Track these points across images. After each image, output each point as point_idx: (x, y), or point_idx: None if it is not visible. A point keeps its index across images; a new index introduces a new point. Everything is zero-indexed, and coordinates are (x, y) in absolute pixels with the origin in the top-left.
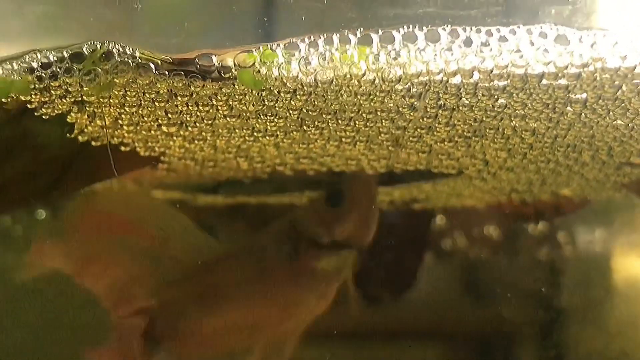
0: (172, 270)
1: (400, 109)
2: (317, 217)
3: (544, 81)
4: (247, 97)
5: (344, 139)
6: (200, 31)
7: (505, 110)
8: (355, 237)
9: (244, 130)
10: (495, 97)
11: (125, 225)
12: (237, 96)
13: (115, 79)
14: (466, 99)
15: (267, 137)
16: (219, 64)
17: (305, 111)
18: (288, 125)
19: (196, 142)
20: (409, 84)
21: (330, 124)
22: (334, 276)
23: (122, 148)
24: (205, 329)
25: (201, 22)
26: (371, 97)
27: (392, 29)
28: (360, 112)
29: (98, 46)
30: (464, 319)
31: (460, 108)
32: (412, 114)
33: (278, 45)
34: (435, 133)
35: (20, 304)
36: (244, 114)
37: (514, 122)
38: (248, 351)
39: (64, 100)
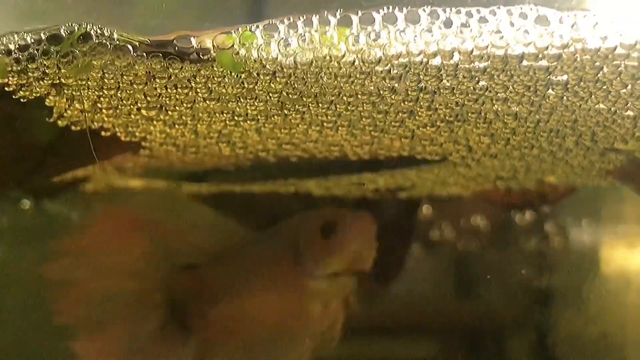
0: (197, 258)
1: (381, 91)
2: (310, 246)
3: (525, 62)
4: (226, 79)
5: (325, 124)
6: (179, 12)
7: (486, 93)
8: (349, 267)
9: (225, 115)
10: (476, 79)
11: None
12: (216, 78)
13: (93, 61)
14: (447, 80)
15: (248, 122)
16: (197, 45)
17: (285, 94)
18: (268, 109)
19: (177, 126)
20: (389, 65)
21: (311, 108)
22: (331, 296)
23: (103, 133)
24: (230, 318)
25: (180, 2)
26: (351, 79)
27: (371, 10)
28: (340, 95)
29: (76, 28)
30: (452, 308)
31: (442, 91)
32: (393, 97)
33: (257, 26)
34: (417, 117)
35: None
36: (224, 97)
37: (495, 105)
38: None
39: (41, 83)
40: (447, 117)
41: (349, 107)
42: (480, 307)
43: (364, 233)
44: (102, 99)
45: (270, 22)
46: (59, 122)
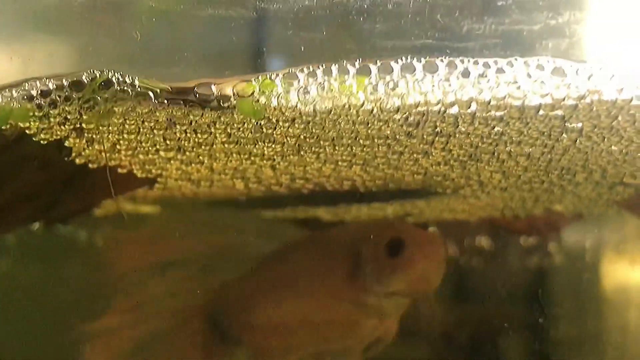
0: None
1: (398, 136)
2: (374, 262)
3: (541, 112)
4: (245, 125)
5: (339, 162)
6: (199, 61)
7: (501, 137)
8: (412, 289)
9: (241, 155)
10: (492, 125)
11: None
12: (236, 125)
13: (114, 107)
14: (463, 127)
15: (265, 161)
16: (218, 93)
17: (303, 138)
18: (285, 150)
19: (193, 165)
20: (407, 114)
21: (327, 149)
22: (386, 314)
23: (120, 170)
24: (280, 327)
25: (200, 52)
26: (369, 125)
27: (390, 60)
28: (357, 139)
29: (97, 74)
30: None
31: (457, 135)
32: (409, 140)
33: (277, 75)
34: (430, 157)
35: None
36: (242, 141)
37: (509, 147)
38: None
39: (62, 127)
40: (460, 157)
41: (364, 149)
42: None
43: (433, 255)
44: (121, 141)
45: (290, 71)
46: (77, 160)
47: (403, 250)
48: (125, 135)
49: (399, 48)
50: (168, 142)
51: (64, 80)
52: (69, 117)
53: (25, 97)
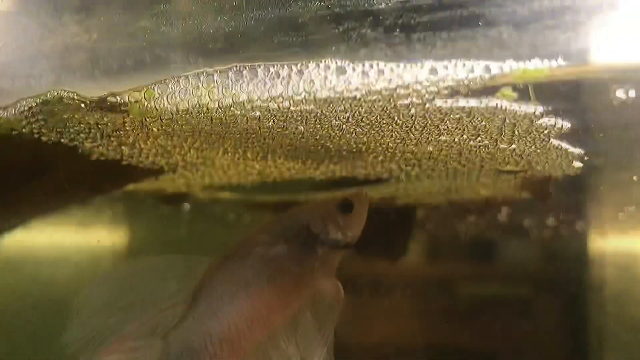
0: None
1: (249, 130)
2: (331, 220)
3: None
4: (135, 123)
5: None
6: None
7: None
8: (353, 237)
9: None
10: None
11: None
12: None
13: (64, 115)
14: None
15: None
16: (120, 100)
17: (178, 131)
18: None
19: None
20: (241, 110)
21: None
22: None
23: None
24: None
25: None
26: (214, 121)
27: (227, 70)
28: (211, 135)
29: (55, 93)
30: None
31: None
32: (262, 133)
33: (154, 85)
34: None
35: None
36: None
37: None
38: None
39: (42, 130)
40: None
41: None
42: None
43: (366, 209)
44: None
45: (163, 81)
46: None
47: (352, 207)
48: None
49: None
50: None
51: (38, 100)
52: (42, 123)
53: (18, 112)
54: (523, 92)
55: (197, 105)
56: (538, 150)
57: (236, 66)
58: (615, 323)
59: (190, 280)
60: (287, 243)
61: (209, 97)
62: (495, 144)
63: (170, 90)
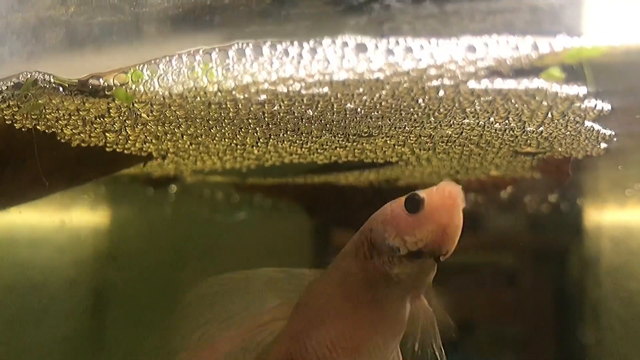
0: None
1: (250, 115)
2: (393, 222)
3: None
4: (121, 109)
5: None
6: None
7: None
8: (434, 247)
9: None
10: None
11: None
12: (115, 109)
13: (39, 100)
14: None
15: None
16: (104, 83)
17: (168, 116)
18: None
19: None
20: (244, 94)
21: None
22: (409, 284)
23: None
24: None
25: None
26: (212, 106)
27: (226, 47)
28: (207, 121)
29: (29, 75)
30: None
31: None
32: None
33: (144, 65)
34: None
35: None
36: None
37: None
38: None
39: (15, 117)
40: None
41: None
42: None
43: (453, 206)
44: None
45: (153, 61)
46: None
47: (420, 204)
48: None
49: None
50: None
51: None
52: (15, 111)
53: None
54: (572, 72)
55: (193, 89)
56: (568, 132)
57: (238, 43)
58: (611, 296)
59: (292, 295)
60: (362, 259)
61: (207, 79)
62: (522, 126)
63: (162, 71)
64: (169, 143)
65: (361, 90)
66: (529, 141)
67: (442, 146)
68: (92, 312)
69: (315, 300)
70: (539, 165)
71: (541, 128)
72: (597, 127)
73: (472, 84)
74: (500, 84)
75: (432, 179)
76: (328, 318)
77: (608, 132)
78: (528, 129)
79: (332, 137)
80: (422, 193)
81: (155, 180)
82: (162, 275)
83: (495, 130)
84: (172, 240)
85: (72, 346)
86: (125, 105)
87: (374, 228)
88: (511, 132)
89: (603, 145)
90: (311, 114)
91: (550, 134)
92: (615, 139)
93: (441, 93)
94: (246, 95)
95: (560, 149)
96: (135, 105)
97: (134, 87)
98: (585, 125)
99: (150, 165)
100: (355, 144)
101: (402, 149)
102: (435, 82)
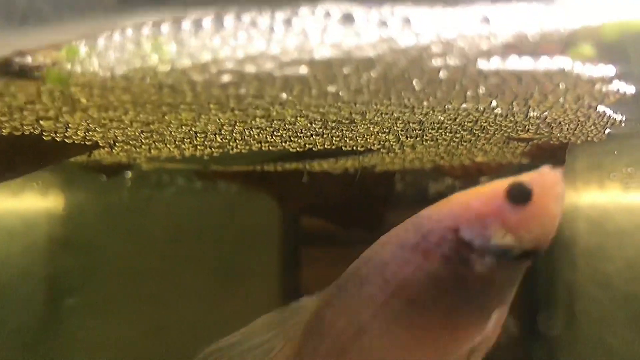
0: None
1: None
2: (495, 218)
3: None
4: (55, 93)
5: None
6: None
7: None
8: (541, 243)
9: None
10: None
11: None
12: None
13: None
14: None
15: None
16: (32, 62)
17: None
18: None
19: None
20: (206, 73)
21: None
22: (502, 293)
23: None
24: None
25: None
26: (164, 89)
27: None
28: (160, 106)
29: None
30: None
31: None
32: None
33: (80, 40)
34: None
35: None
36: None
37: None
38: None
39: None
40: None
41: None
42: None
43: (559, 198)
44: None
45: (91, 35)
46: None
47: (530, 194)
48: None
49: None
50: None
51: None
52: None
53: None
54: (605, 50)
55: (141, 69)
56: (576, 117)
57: (195, 13)
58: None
59: (297, 330)
60: (426, 259)
61: (158, 57)
62: (526, 111)
63: (102, 47)
64: (116, 131)
65: (346, 70)
66: (527, 127)
67: (431, 133)
68: (46, 302)
69: (345, 318)
70: (531, 151)
71: (546, 113)
72: (609, 111)
73: (482, 64)
74: (515, 63)
75: (413, 165)
76: (368, 341)
77: (619, 117)
78: (531, 114)
79: (309, 124)
80: (525, 182)
81: (108, 167)
82: (120, 263)
83: (495, 116)
84: (129, 227)
85: (24, 337)
86: (60, 88)
87: (463, 227)
88: (512, 117)
89: (608, 130)
90: (285, 97)
91: (555, 119)
92: (623, 124)
93: (443, 75)
94: (206, 77)
95: (559, 134)
96: (72, 88)
97: (68, 66)
98: (597, 110)
99: (99, 153)
100: (333, 131)
101: (387, 136)
102: (437, 62)
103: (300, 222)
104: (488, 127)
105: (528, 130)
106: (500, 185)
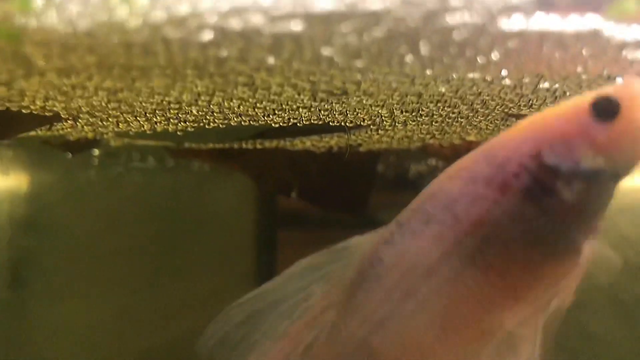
0: None
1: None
2: (587, 137)
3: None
4: (5, 52)
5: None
6: None
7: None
8: (631, 161)
9: None
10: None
11: None
12: None
13: None
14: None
15: None
16: None
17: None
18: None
19: None
20: (186, 31)
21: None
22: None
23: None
24: None
25: None
26: (134, 48)
27: None
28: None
29: None
30: None
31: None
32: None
33: None
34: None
35: None
36: None
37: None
38: None
39: None
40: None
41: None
42: None
43: None
44: None
45: None
46: None
47: (618, 107)
48: None
49: None
50: None
51: None
52: None
53: None
54: None
55: (108, 24)
56: (588, 90)
57: None
58: None
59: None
60: (504, 194)
61: (127, 9)
62: (536, 83)
63: None
64: (79, 100)
65: (345, 28)
66: (532, 102)
67: (428, 107)
68: (9, 285)
69: (402, 265)
70: None
71: (557, 85)
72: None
73: (504, 24)
74: (542, 22)
75: (401, 144)
76: (434, 288)
77: None
78: (541, 85)
79: (296, 95)
80: (612, 94)
81: (73, 143)
82: (87, 245)
83: (502, 87)
84: (96, 208)
85: None
86: (11, 47)
87: (546, 151)
88: (519, 90)
89: None
90: (272, 62)
91: (565, 92)
92: None
93: (457, 36)
94: (183, 33)
95: None
96: (26, 47)
97: (21, 20)
98: (617, 80)
99: (62, 127)
100: (322, 103)
101: (380, 110)
102: (454, 19)
103: (277, 204)
104: (490, 102)
105: (532, 105)
106: (583, 100)
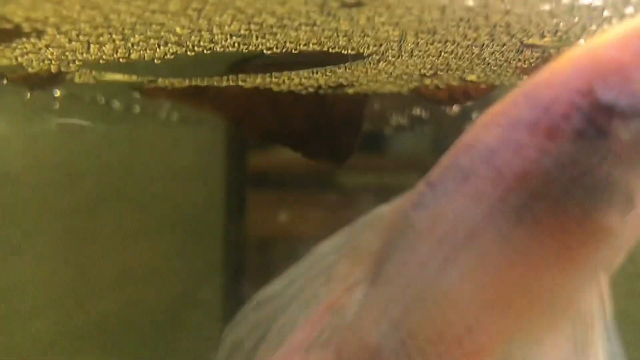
0: None
1: None
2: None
3: None
4: None
5: None
6: None
7: None
8: None
9: None
10: None
11: None
12: None
13: None
14: None
15: None
16: None
17: None
18: None
19: None
20: None
21: None
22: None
23: None
24: None
25: None
26: None
27: None
28: None
29: None
30: None
31: None
32: None
33: None
34: None
35: None
36: None
37: None
38: None
39: None
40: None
41: None
42: None
43: None
44: None
45: None
46: None
47: None
48: None
49: None
50: None
51: None
52: None
53: None
54: None
55: None
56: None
57: None
58: None
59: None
60: (552, 139)
61: None
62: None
63: None
64: (46, 5)
65: None
66: (550, 30)
67: (446, 29)
68: None
69: (436, 232)
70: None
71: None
72: None
73: None
74: None
75: (394, 85)
76: (476, 253)
77: None
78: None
79: (302, 5)
80: None
81: (32, 77)
82: (43, 199)
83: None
84: (55, 159)
85: None
86: None
87: (600, 86)
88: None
89: None
90: None
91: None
92: None
93: None
94: None
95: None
96: None
97: None
98: None
99: (22, 48)
100: (330, 18)
101: (391, 31)
102: None
103: (247, 162)
104: (514, 25)
105: (546, 36)
106: (636, 24)
